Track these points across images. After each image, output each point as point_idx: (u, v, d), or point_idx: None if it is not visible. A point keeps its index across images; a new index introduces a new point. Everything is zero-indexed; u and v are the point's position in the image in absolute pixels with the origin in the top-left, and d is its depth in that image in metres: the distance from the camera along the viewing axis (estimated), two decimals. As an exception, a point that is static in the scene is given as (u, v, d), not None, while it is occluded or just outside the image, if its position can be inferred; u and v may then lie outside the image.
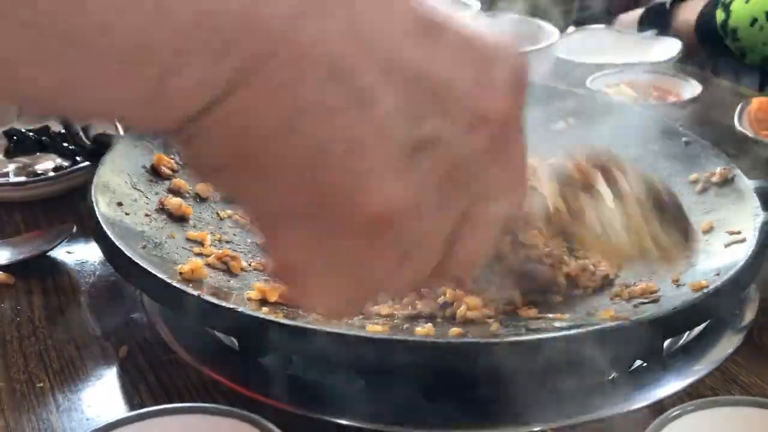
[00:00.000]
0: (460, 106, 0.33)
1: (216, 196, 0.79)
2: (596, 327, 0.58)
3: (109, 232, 0.64)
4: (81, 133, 0.79)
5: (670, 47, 1.36)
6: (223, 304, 0.57)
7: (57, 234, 0.79)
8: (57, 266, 0.78)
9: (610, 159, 0.58)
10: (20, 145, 0.95)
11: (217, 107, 0.31)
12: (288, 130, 0.31)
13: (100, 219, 0.66)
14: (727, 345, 0.66)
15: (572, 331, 0.57)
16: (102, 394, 0.61)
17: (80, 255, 0.79)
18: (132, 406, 0.60)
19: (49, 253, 0.78)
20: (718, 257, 0.68)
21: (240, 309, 0.57)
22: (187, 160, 0.35)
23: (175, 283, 0.59)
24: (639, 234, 0.55)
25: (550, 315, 0.66)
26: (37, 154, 0.94)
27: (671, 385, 0.61)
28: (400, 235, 0.34)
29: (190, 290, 0.58)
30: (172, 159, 0.78)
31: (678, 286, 0.66)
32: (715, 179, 0.79)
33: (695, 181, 0.82)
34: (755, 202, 0.73)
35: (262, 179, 0.33)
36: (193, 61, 0.29)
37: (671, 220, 0.56)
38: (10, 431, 0.58)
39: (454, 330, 0.60)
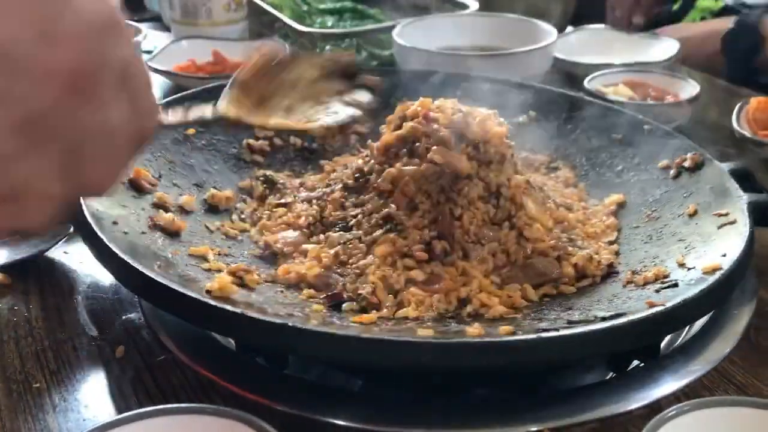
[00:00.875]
0: (23, 66, 0.37)
1: (200, 209, 0.79)
2: (648, 313, 0.59)
3: (122, 255, 0.62)
4: None
5: (668, 47, 1.36)
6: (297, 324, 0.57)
7: (54, 234, 0.79)
8: (54, 266, 0.78)
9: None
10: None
11: None
12: None
13: (107, 242, 0.63)
14: (724, 345, 0.66)
15: (633, 317, 0.59)
16: (98, 394, 0.61)
17: (77, 255, 0.79)
18: (128, 406, 0.60)
19: (46, 254, 0.78)
20: (714, 239, 0.70)
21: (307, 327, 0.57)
22: None
23: (217, 304, 0.58)
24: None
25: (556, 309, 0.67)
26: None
27: (668, 385, 0.61)
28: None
29: (234, 309, 0.57)
30: (149, 171, 0.77)
31: (688, 269, 0.67)
32: (687, 164, 0.81)
33: (666, 167, 0.83)
34: (734, 184, 0.75)
35: None
36: None
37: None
38: (6, 432, 0.58)
39: (504, 328, 0.60)
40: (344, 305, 0.66)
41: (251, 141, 0.90)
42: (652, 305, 0.61)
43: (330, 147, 0.94)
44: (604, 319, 0.60)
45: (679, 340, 0.69)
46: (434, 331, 0.61)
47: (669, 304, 0.60)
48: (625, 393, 0.60)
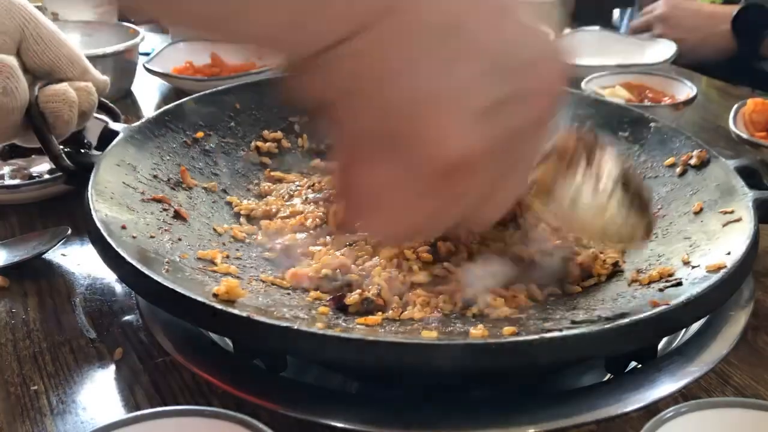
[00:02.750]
0: (530, 77, 0.43)
1: (209, 211, 0.78)
2: (651, 312, 0.59)
3: (131, 260, 0.62)
4: (63, 155, 0.76)
5: (665, 49, 1.36)
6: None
7: (52, 236, 0.79)
8: (52, 268, 0.78)
9: (594, 138, 0.63)
10: (16, 148, 0.95)
11: (341, 47, 0.38)
12: (389, 80, 0.39)
13: (115, 247, 0.62)
14: (722, 346, 0.66)
15: (635, 317, 0.58)
16: (97, 396, 0.61)
17: (75, 257, 0.79)
18: (127, 408, 0.60)
19: (44, 256, 0.78)
20: (719, 237, 0.70)
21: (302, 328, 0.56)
22: (300, 87, 0.41)
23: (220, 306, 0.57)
24: (603, 214, 0.62)
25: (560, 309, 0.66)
26: (33, 156, 0.95)
27: (665, 387, 0.61)
28: (464, 181, 0.42)
29: (239, 313, 0.56)
30: (158, 173, 0.78)
31: (692, 267, 0.67)
32: (692, 161, 0.81)
33: (672, 165, 0.83)
34: (740, 181, 0.75)
35: (358, 113, 0.41)
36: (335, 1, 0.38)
37: (637, 207, 0.63)
38: (4, 434, 0.58)
39: (507, 329, 0.60)
40: (350, 307, 0.66)
41: (259, 143, 0.90)
42: (655, 305, 0.61)
43: None
44: (608, 319, 0.60)
45: (676, 342, 0.69)
46: (438, 332, 0.61)
47: (672, 303, 0.60)
48: (622, 394, 0.60)
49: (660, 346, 0.69)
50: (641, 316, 0.59)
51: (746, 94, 1.22)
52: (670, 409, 0.50)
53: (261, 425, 0.48)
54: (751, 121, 1.04)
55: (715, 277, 0.63)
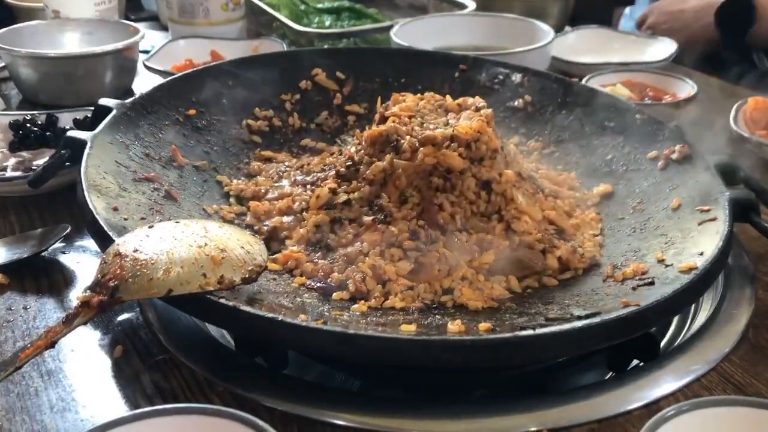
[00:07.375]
0: None
1: (199, 191, 0.79)
2: (621, 313, 0.59)
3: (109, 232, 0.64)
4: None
5: (665, 47, 1.36)
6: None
7: (52, 234, 0.79)
8: (52, 266, 0.78)
9: None
10: (25, 140, 0.95)
11: None
12: None
13: (105, 228, 0.64)
14: (723, 345, 0.66)
15: (606, 317, 0.59)
16: (96, 394, 0.61)
17: (75, 254, 0.79)
18: (126, 406, 0.60)
19: (43, 253, 0.78)
20: (694, 236, 0.70)
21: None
22: None
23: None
24: None
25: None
26: (42, 150, 0.95)
27: (667, 385, 0.61)
28: None
29: (227, 303, 0.58)
30: (150, 152, 0.79)
31: (666, 266, 0.67)
32: (674, 156, 0.81)
33: (655, 158, 0.83)
34: (718, 180, 0.75)
35: None
36: None
37: None
38: (4, 432, 0.57)
39: (483, 325, 0.60)
40: (334, 294, 0.67)
41: (251, 121, 0.91)
42: (626, 305, 0.61)
43: (327, 128, 0.94)
44: (579, 317, 0.61)
45: (678, 340, 0.69)
46: (417, 325, 0.61)
47: (642, 304, 0.60)
48: (624, 393, 0.60)
49: (662, 344, 0.69)
50: (611, 315, 0.59)
51: (747, 93, 1.22)
52: (672, 407, 0.50)
53: (261, 423, 0.48)
54: (752, 119, 1.04)
55: (685, 279, 0.63)
